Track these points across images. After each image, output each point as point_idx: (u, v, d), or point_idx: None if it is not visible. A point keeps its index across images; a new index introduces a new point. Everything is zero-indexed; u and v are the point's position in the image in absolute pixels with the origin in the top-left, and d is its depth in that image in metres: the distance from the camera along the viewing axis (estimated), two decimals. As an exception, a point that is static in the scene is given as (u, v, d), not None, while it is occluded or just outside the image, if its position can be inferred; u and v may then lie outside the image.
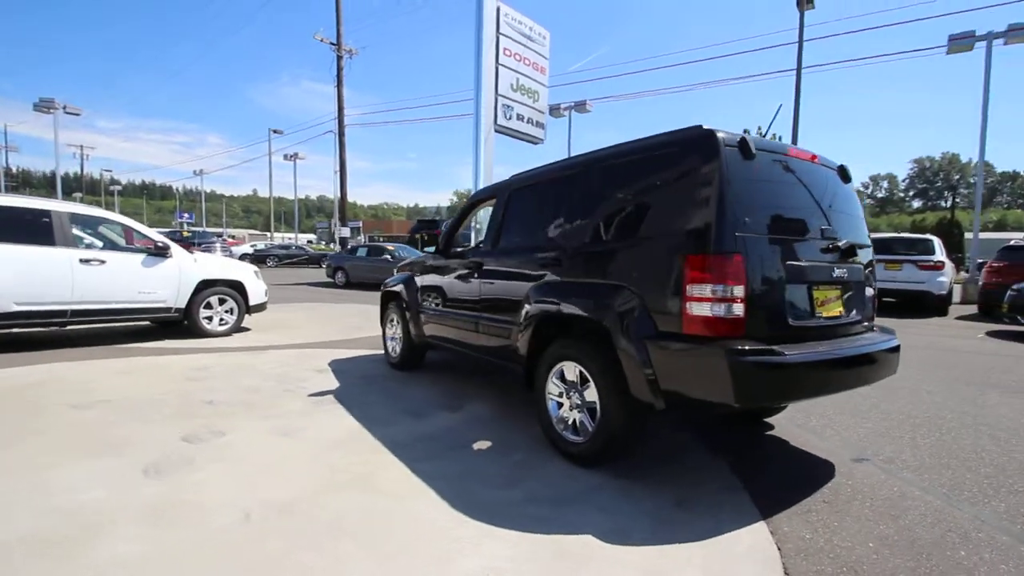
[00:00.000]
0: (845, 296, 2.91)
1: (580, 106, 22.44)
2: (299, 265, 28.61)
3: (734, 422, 3.89)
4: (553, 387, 3.23)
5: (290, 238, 52.05)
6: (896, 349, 3.00)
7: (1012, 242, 11.67)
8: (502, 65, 18.52)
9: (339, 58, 27.52)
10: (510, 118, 18.85)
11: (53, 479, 2.66)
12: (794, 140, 17.36)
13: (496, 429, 3.65)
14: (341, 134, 29.26)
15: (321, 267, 28.80)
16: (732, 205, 2.45)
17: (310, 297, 13.20)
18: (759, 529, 2.40)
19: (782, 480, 2.95)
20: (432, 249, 4.75)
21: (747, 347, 2.36)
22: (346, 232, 28.70)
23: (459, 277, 4.36)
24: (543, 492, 2.69)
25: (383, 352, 6.10)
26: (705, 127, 2.66)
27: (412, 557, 2.08)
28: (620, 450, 2.92)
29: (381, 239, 54.02)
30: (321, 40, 26.60)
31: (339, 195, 29.74)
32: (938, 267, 10.91)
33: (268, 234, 70.51)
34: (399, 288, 5.34)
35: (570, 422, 3.11)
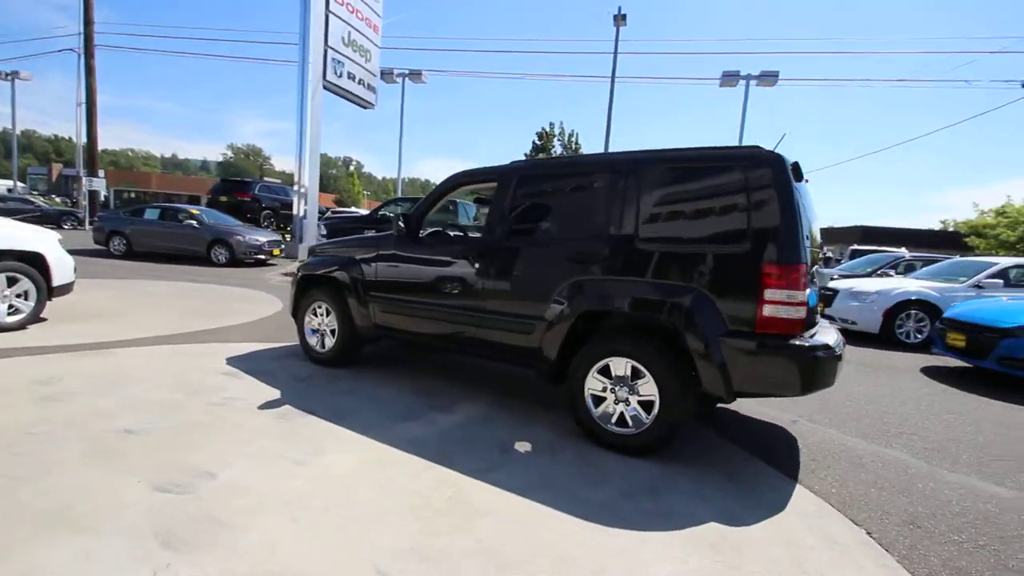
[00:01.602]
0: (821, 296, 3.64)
1: (415, 75, 21.50)
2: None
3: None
4: (595, 383, 3.28)
5: (-15, 184, 38.19)
6: None
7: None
8: (333, 13, 16.83)
9: (89, -46, 21.12)
10: (341, 76, 17.30)
11: (34, 565, 1.70)
12: (607, 144, 19.71)
13: (513, 427, 3.53)
14: (89, 55, 22.58)
15: (63, 227, 22.15)
16: (799, 220, 2.85)
17: (95, 272, 10.13)
18: (802, 492, 2.91)
19: (770, 446, 3.57)
20: (404, 229, 4.18)
21: (814, 343, 2.82)
22: (99, 184, 22.62)
23: (447, 265, 3.99)
24: (631, 487, 2.77)
25: (289, 345, 5.23)
26: (768, 149, 3.00)
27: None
28: (672, 440, 3.16)
29: (132, 195, 43.56)
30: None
31: (86, 136, 23.05)
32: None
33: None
34: (338, 273, 4.59)
35: (615, 415, 3.23)
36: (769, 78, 18.20)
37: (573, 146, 35.40)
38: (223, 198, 17.15)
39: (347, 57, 17.84)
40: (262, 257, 13.55)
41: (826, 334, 3.25)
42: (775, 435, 3.82)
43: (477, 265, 3.79)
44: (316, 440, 3.06)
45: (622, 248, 3.25)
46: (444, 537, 2.16)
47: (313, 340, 4.82)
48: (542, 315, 3.49)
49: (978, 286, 7.87)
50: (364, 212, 17.95)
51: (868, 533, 2.53)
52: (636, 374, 3.15)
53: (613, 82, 19.57)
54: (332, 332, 4.69)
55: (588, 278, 3.33)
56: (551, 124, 36.07)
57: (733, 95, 18.80)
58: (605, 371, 3.26)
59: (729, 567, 2.14)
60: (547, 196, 3.71)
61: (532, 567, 2.01)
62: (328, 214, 19.90)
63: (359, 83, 18.76)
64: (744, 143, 19.45)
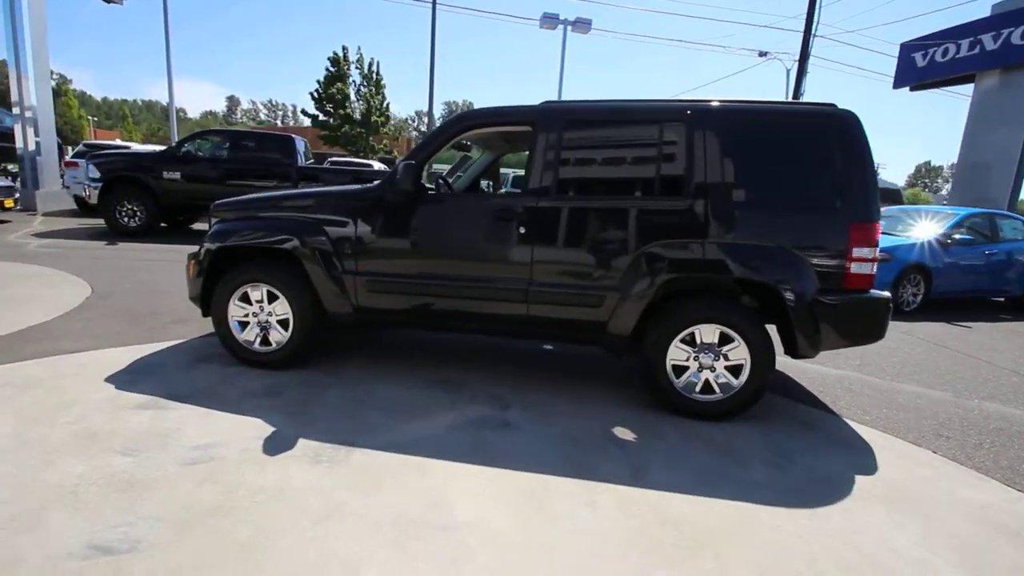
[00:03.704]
0: None
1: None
2: None
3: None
4: (677, 352, 3.09)
5: None
6: None
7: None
8: None
9: None
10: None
11: None
12: (431, 78, 18.50)
13: (587, 414, 3.15)
14: None
15: None
16: (875, 179, 2.99)
17: None
18: (857, 426, 3.25)
19: (781, 384, 3.92)
20: (406, 183, 3.14)
21: (885, 294, 3.06)
22: None
23: (479, 230, 3.21)
24: (769, 459, 2.71)
25: (180, 343, 3.77)
26: (844, 108, 3.03)
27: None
28: (758, 400, 3.15)
29: None
30: None
31: None
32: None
33: None
34: (293, 243, 3.31)
35: (700, 384, 3.11)
36: (583, 25, 19.12)
37: (375, 76, 32.42)
38: None
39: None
40: (-16, 211, 9.38)
41: None
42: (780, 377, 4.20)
43: (523, 229, 3.13)
44: (409, 486, 2.23)
45: (708, 208, 3.00)
46: (722, 571, 1.79)
47: (248, 336, 3.49)
48: (613, 285, 3.09)
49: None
50: (149, 148, 13.65)
51: (933, 452, 2.98)
52: (723, 339, 3.05)
53: (435, 8, 18.17)
54: (282, 323, 3.45)
55: (671, 241, 3.03)
56: (344, 48, 32.15)
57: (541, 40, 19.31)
58: (687, 339, 3.08)
59: (924, 515, 2.28)
60: (609, 146, 3.19)
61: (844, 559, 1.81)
62: (80, 147, 14.48)
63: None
64: (563, 90, 20.36)
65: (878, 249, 3.02)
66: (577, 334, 3.26)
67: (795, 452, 2.81)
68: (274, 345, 3.48)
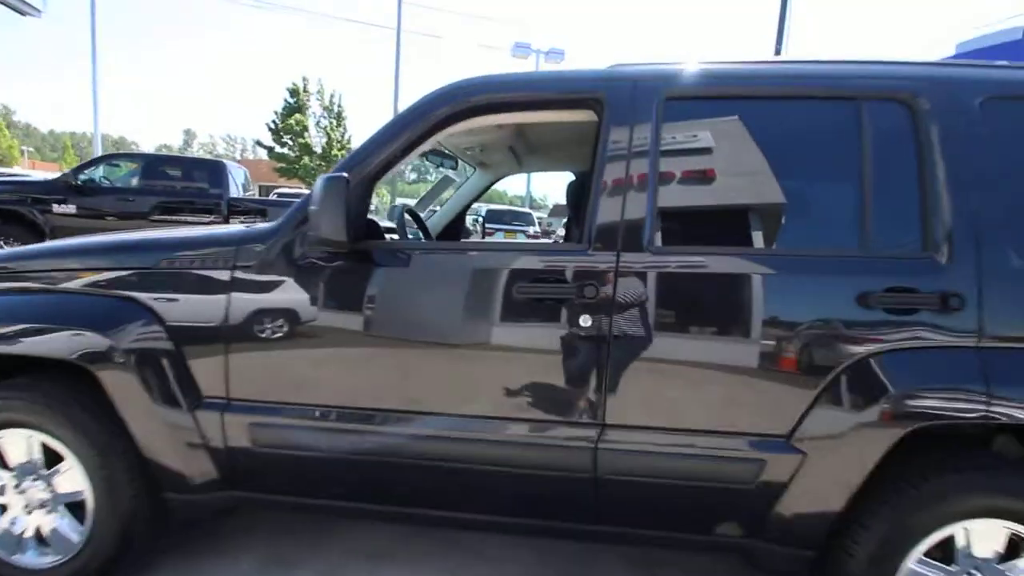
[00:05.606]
0: None
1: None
2: None
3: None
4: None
5: None
6: None
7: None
8: None
9: None
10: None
11: None
12: (395, 104, 17.18)
13: None
14: None
15: None
16: None
17: None
18: None
19: None
20: (300, 222, 1.45)
21: None
22: None
23: (486, 315, 1.55)
24: None
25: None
26: None
27: None
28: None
29: None
30: None
31: None
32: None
33: None
34: (83, 345, 1.55)
35: (963, 636, 1.48)
36: (556, 55, 18.31)
37: (336, 108, 30.87)
38: None
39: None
40: None
41: None
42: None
43: (586, 318, 1.48)
44: None
45: (980, 270, 1.44)
46: None
47: (6, 530, 1.66)
48: (783, 432, 1.46)
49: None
50: (41, 176, 11.57)
51: None
52: (1011, 548, 1.45)
53: (399, 31, 17.02)
54: (74, 507, 1.65)
55: (915, 342, 1.43)
56: (304, 79, 30.56)
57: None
58: (942, 548, 1.46)
59: None
60: (759, 148, 1.58)
61: None
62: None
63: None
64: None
65: None
66: (700, 530, 1.58)
67: None
68: (56, 555, 1.66)
